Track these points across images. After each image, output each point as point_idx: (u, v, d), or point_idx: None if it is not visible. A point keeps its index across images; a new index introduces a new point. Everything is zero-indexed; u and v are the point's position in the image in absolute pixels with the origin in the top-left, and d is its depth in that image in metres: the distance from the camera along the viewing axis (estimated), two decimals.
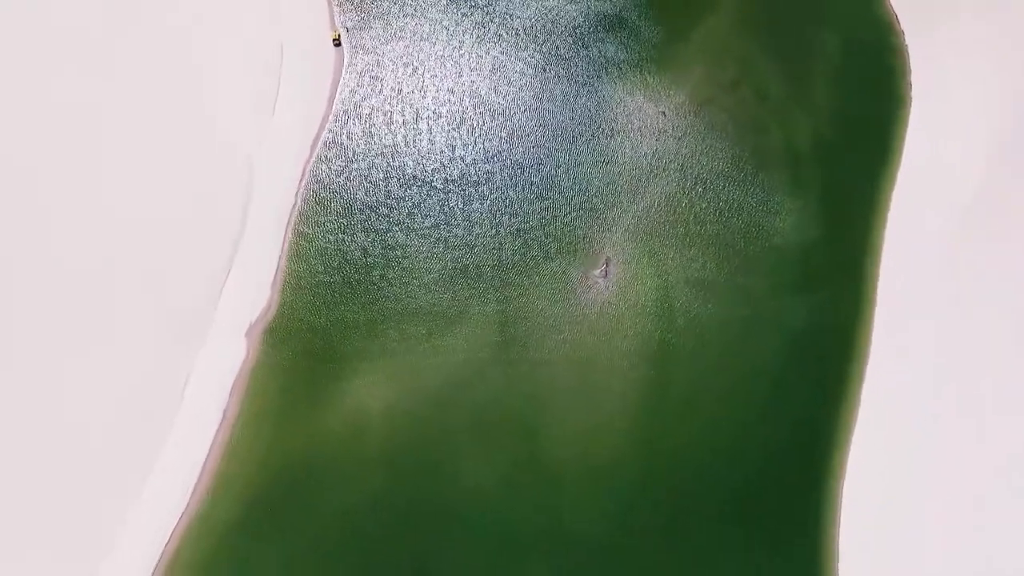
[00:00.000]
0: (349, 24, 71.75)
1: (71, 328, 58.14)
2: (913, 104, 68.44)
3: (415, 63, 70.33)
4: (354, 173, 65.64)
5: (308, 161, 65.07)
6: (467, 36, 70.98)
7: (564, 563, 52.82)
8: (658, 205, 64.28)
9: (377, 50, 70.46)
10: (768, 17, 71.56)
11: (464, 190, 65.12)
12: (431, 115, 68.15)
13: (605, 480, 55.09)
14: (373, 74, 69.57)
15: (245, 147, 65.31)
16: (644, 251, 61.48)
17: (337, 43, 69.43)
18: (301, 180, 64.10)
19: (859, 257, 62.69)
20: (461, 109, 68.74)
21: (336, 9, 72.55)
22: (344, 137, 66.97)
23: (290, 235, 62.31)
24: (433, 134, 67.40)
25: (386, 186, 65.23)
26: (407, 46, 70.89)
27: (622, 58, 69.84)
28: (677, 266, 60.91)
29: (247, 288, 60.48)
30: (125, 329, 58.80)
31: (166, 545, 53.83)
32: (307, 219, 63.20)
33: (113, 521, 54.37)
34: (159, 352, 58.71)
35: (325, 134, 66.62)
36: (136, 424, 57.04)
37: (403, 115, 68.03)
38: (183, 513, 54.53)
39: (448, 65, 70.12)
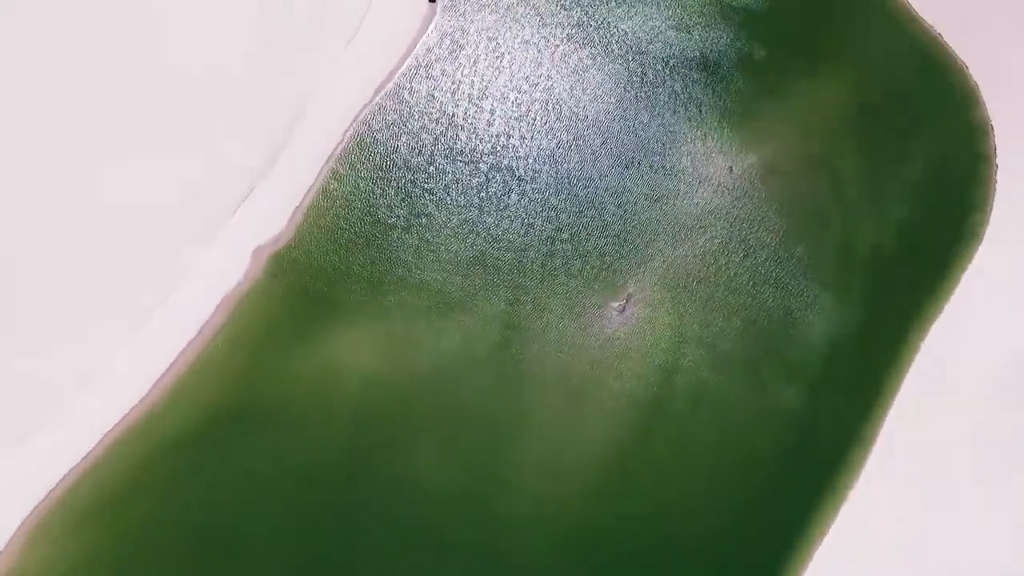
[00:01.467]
0: None
1: (98, 182, 58.03)
2: (983, 243, 65.20)
3: (499, 41, 68.33)
4: (405, 131, 64.12)
5: (366, 105, 63.64)
6: (559, 30, 68.84)
7: None
8: (695, 258, 62.09)
9: (468, 16, 68.55)
10: (872, 107, 68.44)
11: (507, 180, 63.37)
12: (498, 97, 66.29)
13: (554, 523, 53.47)
14: (456, 39, 67.74)
15: (312, 67, 64.09)
16: (668, 299, 59.50)
17: None
18: (353, 121, 62.81)
19: (879, 379, 60.03)
20: (529, 100, 66.74)
21: None
22: (407, 92, 65.42)
23: (326, 171, 61.16)
24: (494, 116, 65.58)
25: (431, 153, 63.64)
26: (497, 21, 68.85)
27: (707, 101, 67.34)
28: (696, 325, 58.89)
29: (268, 209, 59.35)
30: (139, 204, 58.08)
31: (97, 444, 53.25)
32: (346, 161, 61.88)
33: (47, 406, 53.51)
34: (161, 243, 57.75)
35: (391, 83, 65.12)
36: (110, 311, 56.25)
37: (471, 88, 66.21)
38: (123, 418, 53.87)
39: (531, 52, 68.02)
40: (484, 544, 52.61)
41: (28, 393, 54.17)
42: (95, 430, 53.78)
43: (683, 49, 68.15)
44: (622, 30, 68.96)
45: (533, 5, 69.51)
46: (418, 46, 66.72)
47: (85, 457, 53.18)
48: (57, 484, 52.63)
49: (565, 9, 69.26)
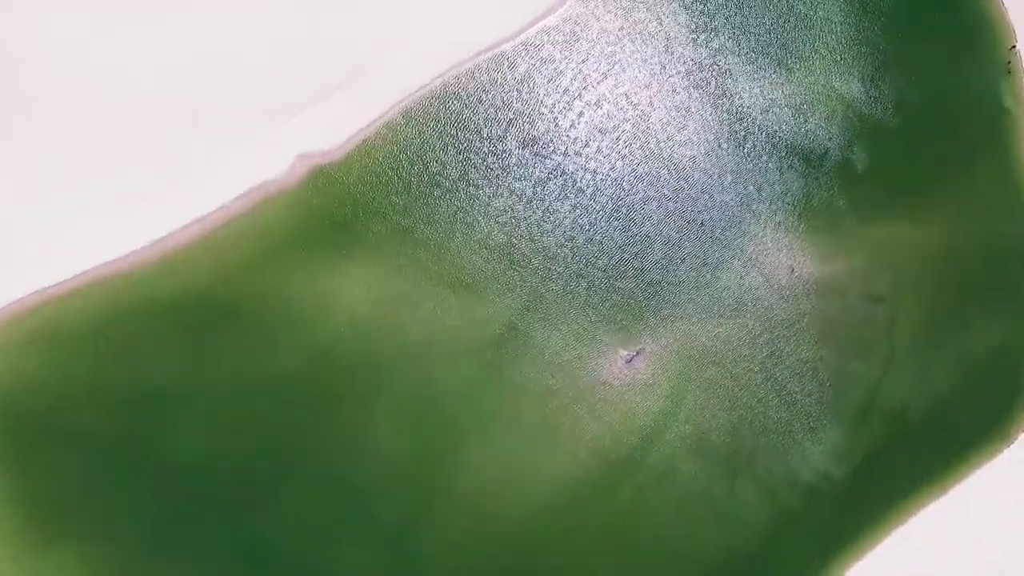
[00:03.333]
0: None
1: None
2: (1010, 448, 61.03)
3: (617, 48, 65.16)
4: (488, 100, 62.01)
5: (464, 61, 61.28)
6: (679, 63, 65.74)
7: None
8: (719, 339, 59.36)
9: (595, 12, 65.86)
10: (962, 266, 64.13)
11: (565, 186, 61.15)
12: (592, 102, 63.49)
13: (474, 531, 52.97)
14: (576, 30, 64.89)
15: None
16: (676, 369, 57.29)
17: None
18: (450, 70, 60.65)
19: (847, 543, 57.41)
20: (620, 118, 63.74)
21: None
22: (505, 64, 63.03)
23: (400, 108, 59.38)
24: (580, 119, 62.95)
25: (504, 131, 61.57)
26: (621, 28, 65.82)
27: (796, 193, 63.85)
28: (693, 404, 56.79)
29: (331, 121, 58.23)
30: (221, 53, 58.05)
31: (74, 277, 54.11)
32: (422, 106, 60.06)
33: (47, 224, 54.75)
34: (222, 104, 57.49)
35: (494, 51, 62.61)
36: (149, 156, 56.45)
37: (569, 84, 63.41)
38: (109, 263, 54.52)
39: (642, 72, 64.75)
40: (404, 520, 52.71)
41: (39, 205, 54.94)
42: (78, 263, 53.98)
43: (792, 132, 64.72)
44: (741, 88, 65.68)
45: (665, 29, 66.60)
46: (540, 23, 64.42)
47: (58, 284, 53.66)
48: (17, 301, 53.29)
49: (694, 45, 66.09)
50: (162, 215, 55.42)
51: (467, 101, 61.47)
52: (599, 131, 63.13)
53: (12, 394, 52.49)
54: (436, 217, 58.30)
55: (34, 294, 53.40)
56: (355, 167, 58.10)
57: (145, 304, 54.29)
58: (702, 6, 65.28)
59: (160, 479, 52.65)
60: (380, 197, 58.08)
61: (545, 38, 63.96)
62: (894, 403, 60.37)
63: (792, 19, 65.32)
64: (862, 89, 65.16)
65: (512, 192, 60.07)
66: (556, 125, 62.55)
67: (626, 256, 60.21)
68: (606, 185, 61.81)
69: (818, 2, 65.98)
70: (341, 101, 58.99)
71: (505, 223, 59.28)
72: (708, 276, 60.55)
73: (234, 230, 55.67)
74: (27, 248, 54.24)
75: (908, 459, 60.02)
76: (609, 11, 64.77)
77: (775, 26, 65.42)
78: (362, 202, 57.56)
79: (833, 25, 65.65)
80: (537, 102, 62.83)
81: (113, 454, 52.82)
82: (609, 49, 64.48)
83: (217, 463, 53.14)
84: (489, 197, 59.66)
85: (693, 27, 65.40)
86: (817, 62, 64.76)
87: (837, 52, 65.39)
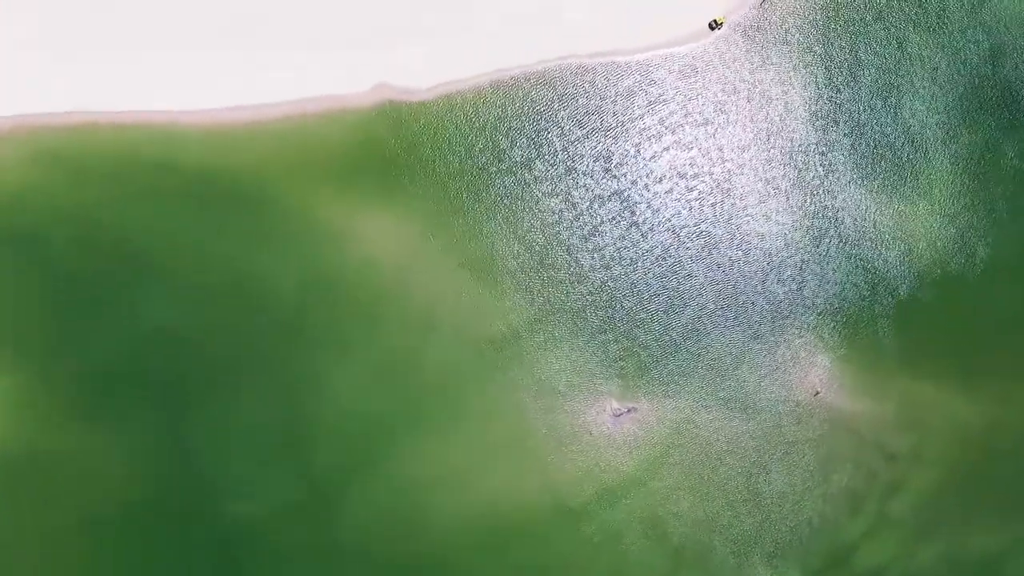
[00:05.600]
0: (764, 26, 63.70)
1: None
2: None
3: (729, 99, 62.52)
4: (582, 100, 60.20)
5: (580, 57, 59.78)
6: (786, 138, 62.56)
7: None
8: (717, 433, 56.96)
9: (724, 57, 62.64)
10: (995, 456, 60.24)
11: (622, 213, 59.17)
12: (681, 142, 61.02)
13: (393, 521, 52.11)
14: (697, 66, 62.18)
15: None
16: (662, 443, 55.43)
17: (714, 27, 62.19)
18: (559, 59, 59.41)
19: None
20: (704, 169, 60.94)
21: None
22: (614, 72, 60.86)
23: (501, 76, 58.48)
24: (663, 154, 60.66)
25: (585, 136, 59.85)
26: (743, 82, 62.82)
27: (854, 320, 60.48)
28: (665, 485, 55.02)
29: (426, 64, 57.79)
30: None
31: (121, 114, 54.55)
32: (517, 81, 58.88)
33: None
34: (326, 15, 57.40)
35: (614, 56, 60.57)
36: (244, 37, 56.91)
37: (667, 116, 60.92)
38: (170, 112, 54.66)
39: (744, 132, 61.90)
40: (334, 480, 52.39)
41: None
42: (125, 100, 54.63)
43: (870, 253, 61.39)
44: (839, 188, 62.38)
45: (787, 100, 63.14)
46: (663, 49, 61.85)
47: (102, 112, 54.13)
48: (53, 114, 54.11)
49: (810, 127, 62.79)
50: (223, 89, 55.38)
51: (560, 94, 59.75)
52: (678, 173, 60.67)
53: (17, 198, 52.72)
54: (484, 193, 56.94)
55: (76, 113, 53.64)
56: (426, 114, 57.22)
57: (170, 162, 53.89)
58: (833, 93, 62.53)
59: (111, 336, 52.06)
60: (438, 151, 56.96)
61: (663, 63, 61.76)
62: (868, 565, 56.73)
63: (915, 145, 62.16)
64: (955, 243, 61.73)
65: (568, 198, 58.24)
66: (637, 151, 60.37)
67: (655, 306, 57.91)
68: (663, 228, 59.49)
69: (944, 143, 62.96)
70: (443, 48, 58.26)
71: (548, 225, 57.59)
72: (730, 361, 57.57)
73: (286, 127, 55.28)
74: (90, 69, 54.51)
75: None
76: (737, 61, 62.36)
77: (896, 145, 62.20)
78: (419, 150, 56.57)
79: (950, 172, 62.50)
80: (628, 121, 60.77)
81: (80, 296, 52.45)
82: (722, 97, 61.96)
83: (172, 344, 52.36)
84: (544, 194, 58.02)
85: (816, 110, 62.72)
86: (923, 199, 61.58)
87: (946, 199, 62.14)
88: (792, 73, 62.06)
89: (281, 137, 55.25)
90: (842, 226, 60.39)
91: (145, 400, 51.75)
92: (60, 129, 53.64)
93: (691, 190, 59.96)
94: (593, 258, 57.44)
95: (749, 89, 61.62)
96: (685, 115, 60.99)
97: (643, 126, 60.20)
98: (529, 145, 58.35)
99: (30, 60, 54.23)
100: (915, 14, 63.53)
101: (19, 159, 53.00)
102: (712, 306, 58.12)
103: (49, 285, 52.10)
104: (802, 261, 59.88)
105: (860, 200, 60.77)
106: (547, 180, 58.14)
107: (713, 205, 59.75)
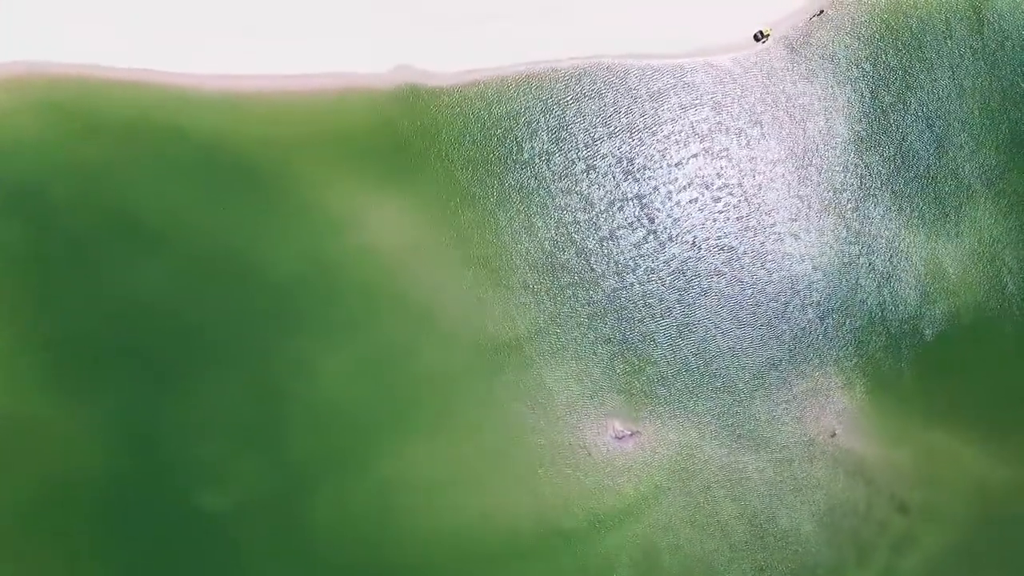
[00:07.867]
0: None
1: None
2: None
3: (767, 111, 60.85)
4: (610, 99, 58.97)
5: (611, 56, 58.70)
6: (823, 156, 60.58)
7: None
8: (722, 465, 54.89)
9: (768, 68, 61.21)
10: (1000, 524, 57.03)
11: (641, 219, 57.51)
12: (710, 150, 59.28)
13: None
14: (737, 74, 60.74)
15: None
16: (664, 470, 53.44)
17: (759, 38, 60.79)
18: (591, 58, 58.39)
19: None
20: (732, 181, 59.06)
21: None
22: (647, 74, 59.65)
23: (524, 68, 57.44)
24: (690, 161, 59.02)
25: (610, 135, 58.48)
26: (783, 94, 61.18)
27: (874, 354, 58.11)
28: (664, 519, 52.89)
29: (452, 48, 57.00)
30: None
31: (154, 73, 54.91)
32: (545, 75, 57.89)
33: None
34: None
35: (648, 60, 59.49)
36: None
37: (698, 122, 59.30)
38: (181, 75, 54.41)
39: (779, 147, 60.14)
40: (311, 469, 51.11)
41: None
42: (145, 58, 54.68)
43: (903, 292, 59.39)
44: (876, 216, 60.42)
45: (829, 119, 61.50)
46: (703, 57, 60.62)
47: (116, 69, 54.11)
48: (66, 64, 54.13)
49: (851, 149, 60.79)
50: (242, 54, 54.81)
51: (589, 91, 58.51)
52: (703, 182, 58.92)
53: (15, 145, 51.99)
54: (498, 185, 55.84)
55: (88, 66, 53.37)
56: (447, 100, 56.42)
57: (180, 128, 53.22)
58: (879, 115, 60.78)
59: (92, 302, 51.09)
60: (454, 139, 56.01)
61: (700, 68, 60.51)
62: None
63: (958, 180, 60.16)
64: (993, 288, 59.56)
65: (586, 198, 56.78)
66: (663, 155, 58.75)
67: (669, 322, 56.00)
68: (683, 239, 57.77)
69: (990, 182, 61.04)
70: (473, 34, 57.40)
71: (563, 224, 56.16)
72: (743, 388, 55.29)
73: (302, 101, 54.76)
74: (107, 23, 54.15)
75: None
76: (780, 72, 60.98)
77: (939, 177, 60.22)
78: (435, 136, 55.67)
79: (992, 212, 60.38)
80: (656, 124, 59.39)
81: (65, 256, 51.53)
82: (759, 109, 60.27)
83: (155, 317, 51.22)
84: (560, 191, 56.69)
85: (858, 130, 60.95)
86: (962, 237, 59.40)
87: (986, 241, 59.85)
88: (837, 90, 60.29)
89: (296, 110, 54.68)
90: (874, 256, 58.17)
91: (120, 372, 50.45)
92: (70, 80, 53.16)
93: (717, 200, 58.24)
94: (607, 264, 55.89)
95: (789, 102, 60.05)
96: (718, 123, 59.42)
97: (671, 130, 58.84)
98: (550, 139, 57.23)
99: (47, 5, 53.92)
100: (973, 43, 62.25)
101: (22, 106, 52.26)
102: (731, 327, 56.11)
103: (34, 241, 51.00)
104: (828, 288, 57.67)
105: (896, 230, 58.62)
106: (566, 177, 56.94)
107: (739, 219, 57.86)
